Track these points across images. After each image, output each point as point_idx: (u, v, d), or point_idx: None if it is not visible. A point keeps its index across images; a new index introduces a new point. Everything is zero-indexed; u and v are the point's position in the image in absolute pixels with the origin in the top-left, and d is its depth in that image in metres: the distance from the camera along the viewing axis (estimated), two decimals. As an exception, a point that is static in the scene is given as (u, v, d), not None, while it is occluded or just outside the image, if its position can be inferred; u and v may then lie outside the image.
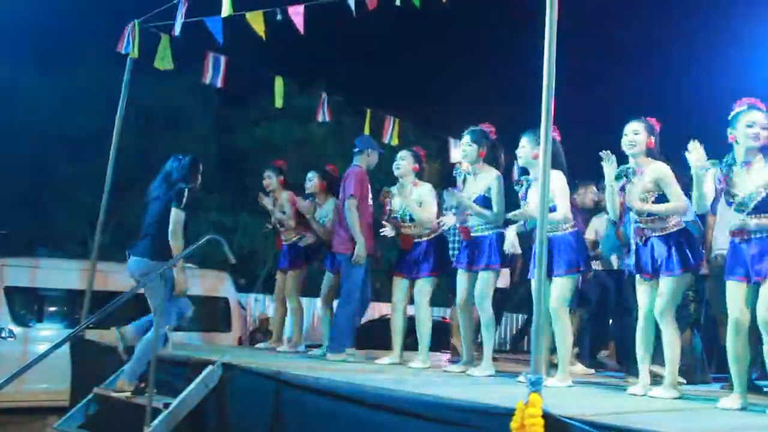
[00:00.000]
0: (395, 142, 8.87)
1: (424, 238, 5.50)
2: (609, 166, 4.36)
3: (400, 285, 5.58)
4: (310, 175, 6.54)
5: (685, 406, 3.89)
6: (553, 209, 4.55)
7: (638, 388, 4.23)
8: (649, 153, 4.29)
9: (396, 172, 5.64)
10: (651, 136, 4.30)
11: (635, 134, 4.29)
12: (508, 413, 2.86)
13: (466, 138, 5.18)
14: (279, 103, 7.87)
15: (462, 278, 5.18)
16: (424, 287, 5.45)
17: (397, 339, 5.66)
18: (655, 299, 4.23)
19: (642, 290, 4.33)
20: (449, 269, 5.51)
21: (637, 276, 4.36)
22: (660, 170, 4.22)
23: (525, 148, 4.75)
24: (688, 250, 4.20)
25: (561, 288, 4.57)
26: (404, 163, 5.59)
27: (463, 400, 3.22)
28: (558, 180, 4.58)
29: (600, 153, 4.40)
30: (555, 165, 4.60)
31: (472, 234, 5.08)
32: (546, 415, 2.80)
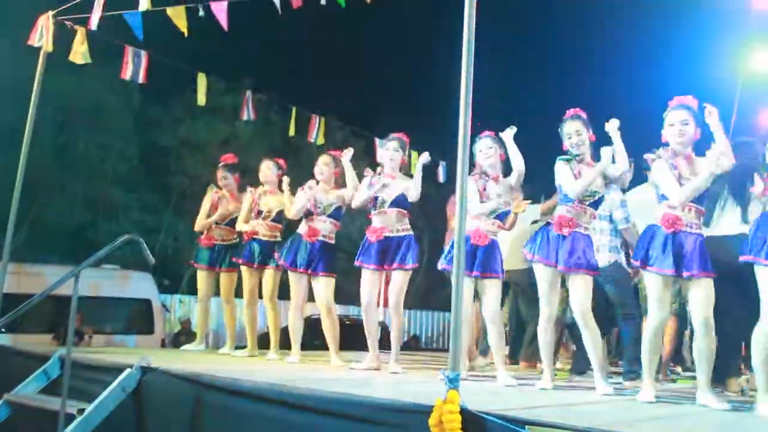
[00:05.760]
0: (320, 141, 8.88)
1: (326, 239, 5.67)
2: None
3: (299, 282, 5.68)
4: (267, 164, 6.39)
5: (600, 400, 4.03)
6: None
7: (545, 382, 4.41)
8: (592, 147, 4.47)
9: (319, 178, 5.73)
10: (590, 131, 4.45)
11: (578, 135, 4.42)
12: (427, 410, 2.90)
13: (395, 144, 5.30)
14: (202, 100, 7.76)
15: (372, 279, 5.22)
16: (323, 286, 5.58)
17: (296, 337, 5.80)
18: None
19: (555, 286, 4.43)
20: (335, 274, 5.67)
21: (551, 271, 4.38)
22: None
23: (492, 149, 4.89)
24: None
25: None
26: (327, 169, 5.73)
27: (383, 398, 3.24)
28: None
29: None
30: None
31: (385, 234, 5.16)
32: (463, 411, 2.84)
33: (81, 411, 4.13)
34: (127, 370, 4.35)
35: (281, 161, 6.50)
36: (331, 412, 3.33)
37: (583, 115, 4.49)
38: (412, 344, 16.45)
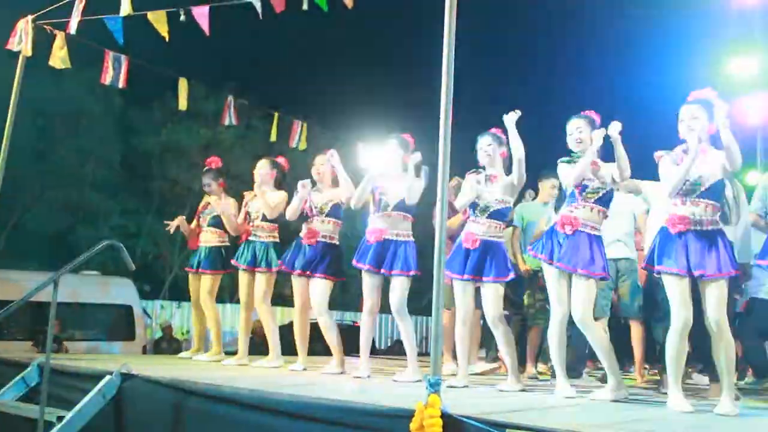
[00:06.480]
0: (303, 146, 8.88)
1: (327, 240, 5.52)
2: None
3: (299, 285, 5.57)
4: (260, 163, 6.24)
5: (579, 402, 4.04)
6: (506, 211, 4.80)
7: (565, 389, 4.30)
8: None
9: (316, 178, 5.67)
10: (594, 130, 4.36)
11: (579, 131, 4.38)
12: (408, 414, 2.90)
13: (393, 142, 5.21)
14: (183, 105, 7.72)
15: (371, 281, 5.09)
16: (319, 289, 5.41)
17: (300, 343, 5.65)
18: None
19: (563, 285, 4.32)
20: (342, 278, 5.53)
21: (557, 271, 4.29)
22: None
23: (492, 146, 4.82)
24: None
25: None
26: (324, 168, 5.62)
27: (364, 403, 3.25)
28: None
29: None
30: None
31: (385, 237, 5.03)
32: (444, 415, 2.85)
33: (60, 418, 4.09)
34: (107, 377, 4.32)
35: (280, 159, 6.32)
36: (313, 418, 3.33)
37: (592, 115, 4.45)
38: (396, 349, 16.45)
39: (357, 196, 5.21)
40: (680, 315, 3.77)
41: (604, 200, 4.34)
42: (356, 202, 5.23)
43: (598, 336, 4.25)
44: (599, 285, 4.50)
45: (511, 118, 4.59)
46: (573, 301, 4.22)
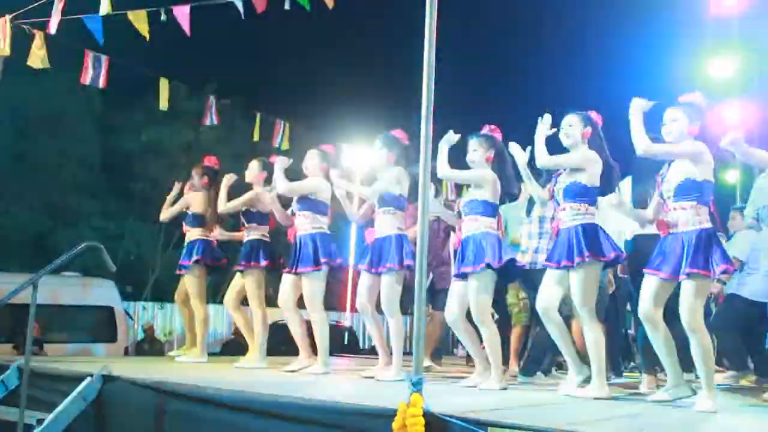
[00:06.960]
0: (285, 146, 8.87)
1: (303, 232, 5.40)
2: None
3: (284, 282, 5.52)
4: (252, 164, 6.14)
5: (562, 400, 4.06)
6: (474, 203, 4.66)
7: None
8: (589, 143, 4.36)
9: (305, 172, 5.56)
10: (587, 127, 4.36)
11: (569, 126, 4.37)
12: (391, 414, 2.91)
13: (378, 142, 5.15)
14: (164, 105, 7.69)
15: (363, 281, 5.09)
16: (308, 285, 5.33)
17: (300, 342, 5.55)
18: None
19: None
20: (322, 266, 5.32)
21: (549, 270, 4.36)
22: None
23: (477, 152, 4.69)
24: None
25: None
26: (312, 164, 5.51)
27: (346, 402, 3.25)
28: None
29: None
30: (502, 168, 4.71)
31: (376, 236, 5.01)
32: (427, 414, 2.86)
33: (40, 421, 4.06)
34: (88, 379, 4.27)
35: (273, 159, 6.04)
36: (295, 418, 3.32)
37: (591, 114, 4.43)
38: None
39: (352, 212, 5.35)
40: (640, 306, 3.90)
41: (569, 194, 4.29)
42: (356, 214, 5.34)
43: (593, 335, 4.21)
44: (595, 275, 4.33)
45: (444, 139, 4.61)
46: (572, 295, 4.28)
